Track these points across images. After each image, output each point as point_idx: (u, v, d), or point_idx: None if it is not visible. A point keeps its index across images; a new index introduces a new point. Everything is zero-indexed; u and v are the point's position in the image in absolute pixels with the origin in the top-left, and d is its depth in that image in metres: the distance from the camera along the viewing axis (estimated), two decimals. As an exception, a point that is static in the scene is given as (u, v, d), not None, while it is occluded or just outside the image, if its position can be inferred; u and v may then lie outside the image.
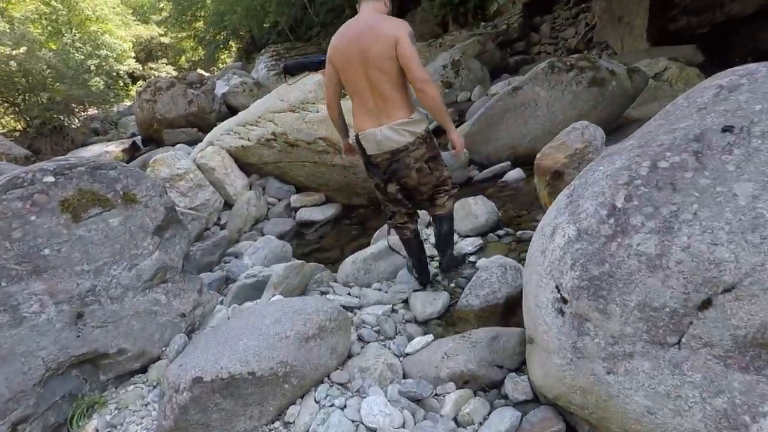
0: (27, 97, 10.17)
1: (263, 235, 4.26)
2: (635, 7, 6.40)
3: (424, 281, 2.53)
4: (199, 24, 18.82)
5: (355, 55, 1.99)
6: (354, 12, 2.24)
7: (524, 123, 4.00)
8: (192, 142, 8.61)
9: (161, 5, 22.36)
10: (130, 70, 23.70)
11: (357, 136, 2.15)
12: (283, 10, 12.94)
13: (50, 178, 1.85)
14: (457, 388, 1.73)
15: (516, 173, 3.86)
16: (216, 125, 9.74)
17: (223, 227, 4.44)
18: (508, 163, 4.07)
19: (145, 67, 25.83)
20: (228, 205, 4.58)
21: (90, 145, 10.11)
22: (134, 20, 27.00)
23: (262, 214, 4.45)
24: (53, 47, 22.02)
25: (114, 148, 9.05)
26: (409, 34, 1.95)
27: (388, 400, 1.62)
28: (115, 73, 23.12)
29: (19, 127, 10.81)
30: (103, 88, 21.40)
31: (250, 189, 4.68)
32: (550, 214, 1.69)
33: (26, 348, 1.62)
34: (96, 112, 11.65)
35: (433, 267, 2.74)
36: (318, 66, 4.38)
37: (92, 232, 1.88)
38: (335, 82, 2.17)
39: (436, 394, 1.70)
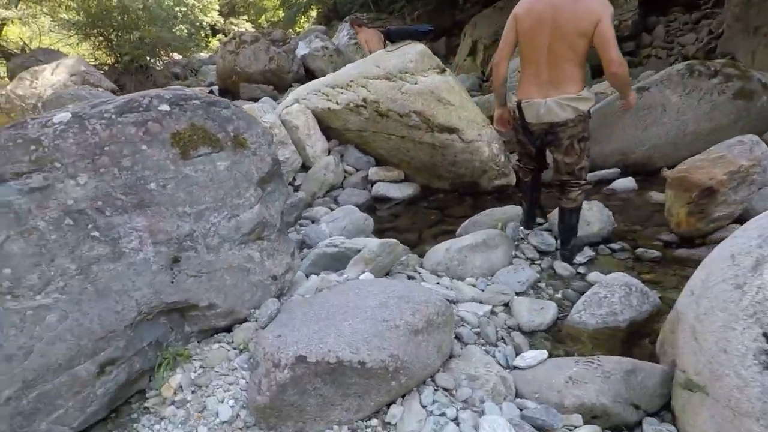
0: (120, 34, 10.48)
1: (337, 203, 4.09)
2: (778, 18, 5.61)
3: (529, 225, 2.72)
4: (286, -16, 18.80)
5: (546, 23, 1.96)
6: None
7: (644, 128, 3.55)
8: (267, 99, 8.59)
9: (251, -39, 22.51)
10: (213, 23, 24.26)
11: (519, 102, 2.16)
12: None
13: (165, 107, 1.69)
14: (584, 423, 1.46)
15: (627, 182, 3.45)
16: (291, 86, 9.67)
17: (297, 189, 4.30)
18: (617, 170, 3.64)
19: (227, 21, 26.33)
20: (305, 167, 4.43)
21: (170, 87, 10.35)
22: (223, -26, 27.42)
23: (338, 181, 4.26)
24: (147, -10, 22.84)
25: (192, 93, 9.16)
26: (611, 15, 1.92)
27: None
28: (198, 23, 23.75)
29: (109, 61, 11.21)
30: (186, 35, 22.06)
31: (329, 154, 4.51)
32: (746, 240, 1.35)
33: (122, 286, 1.49)
34: (179, 57, 11.89)
35: (534, 270, 2.45)
36: (423, 36, 4.08)
37: (198, 172, 1.71)
38: (512, 44, 2.15)
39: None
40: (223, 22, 26.01)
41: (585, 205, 2.76)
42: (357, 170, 4.39)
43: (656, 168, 3.61)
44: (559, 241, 2.56)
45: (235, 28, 25.76)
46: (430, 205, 3.95)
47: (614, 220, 2.75)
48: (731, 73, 3.37)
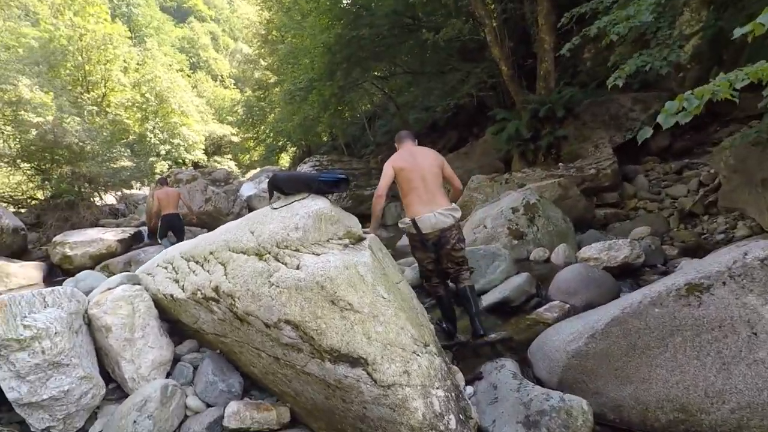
0: (51, 167, 9.14)
1: (147, 485, 1.99)
2: (790, 171, 4.36)
3: (453, 331, 2.92)
4: (263, 127, 18.98)
5: (416, 164, 2.78)
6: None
7: (721, 365, 1.74)
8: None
9: (236, 108, 23.28)
10: (196, 160, 24.18)
11: (414, 220, 2.74)
12: (335, 123, 12.17)
13: None
14: None
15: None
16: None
17: (93, 441, 2.22)
18: (681, 451, 1.72)
19: (210, 159, 26.42)
20: (121, 390, 2.42)
21: (97, 226, 8.68)
22: (213, 118, 28.43)
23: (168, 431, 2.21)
24: (137, 130, 22.99)
25: (111, 237, 7.44)
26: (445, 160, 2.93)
27: None
28: (181, 160, 23.62)
29: (38, 196, 9.71)
30: (166, 170, 21.52)
31: (173, 368, 2.53)
32: None
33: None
34: (120, 193, 10.44)
35: None
36: (330, 187, 2.44)
37: None
38: (390, 180, 2.79)
39: None
40: (206, 159, 26.08)
41: None
42: (208, 405, 2.37)
43: (756, 446, 1.72)
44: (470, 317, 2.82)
45: (218, 165, 25.70)
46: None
47: None
48: None
